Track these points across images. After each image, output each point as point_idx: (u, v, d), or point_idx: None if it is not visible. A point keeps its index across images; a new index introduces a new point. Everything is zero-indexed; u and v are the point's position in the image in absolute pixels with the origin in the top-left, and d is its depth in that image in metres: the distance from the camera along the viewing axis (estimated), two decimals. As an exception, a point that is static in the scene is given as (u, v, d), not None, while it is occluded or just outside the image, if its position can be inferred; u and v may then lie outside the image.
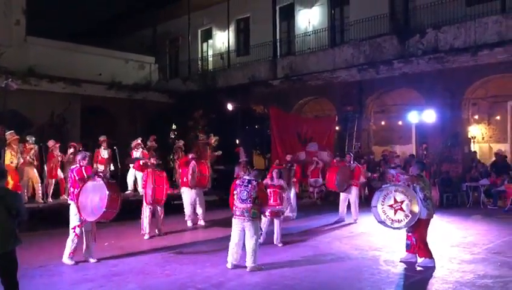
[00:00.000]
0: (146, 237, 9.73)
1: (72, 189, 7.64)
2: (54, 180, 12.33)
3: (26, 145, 11.85)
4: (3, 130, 11.05)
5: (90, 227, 7.64)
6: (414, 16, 16.67)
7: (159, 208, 9.99)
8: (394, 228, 7.30)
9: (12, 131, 11.34)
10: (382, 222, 7.38)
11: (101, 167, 13.56)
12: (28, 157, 11.64)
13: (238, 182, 7.32)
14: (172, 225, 10.81)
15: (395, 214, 7.11)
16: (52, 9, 29.70)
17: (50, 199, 12.15)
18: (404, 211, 7.07)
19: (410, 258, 7.38)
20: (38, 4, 21.40)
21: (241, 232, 7.14)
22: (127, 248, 8.71)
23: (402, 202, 7.09)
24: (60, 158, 12.39)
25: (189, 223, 11.26)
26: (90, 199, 7.45)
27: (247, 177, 7.29)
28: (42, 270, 7.23)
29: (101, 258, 7.85)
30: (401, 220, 7.11)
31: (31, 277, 6.79)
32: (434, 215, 7.45)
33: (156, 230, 9.99)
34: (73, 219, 7.55)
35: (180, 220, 11.34)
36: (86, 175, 7.52)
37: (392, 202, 7.15)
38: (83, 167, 7.60)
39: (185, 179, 11.36)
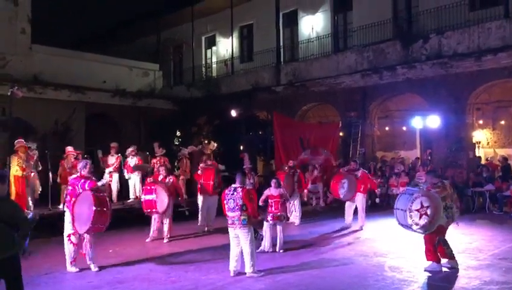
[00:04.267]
0: (148, 239, 9.88)
1: (68, 197, 7.61)
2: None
3: (29, 152, 11.94)
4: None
5: (86, 234, 7.63)
6: (417, 22, 16.69)
7: (163, 217, 10.01)
8: (414, 231, 7.29)
9: (21, 139, 11.43)
10: (405, 226, 7.33)
11: (112, 171, 13.77)
12: (32, 164, 11.74)
13: (226, 191, 7.37)
14: (177, 231, 10.81)
15: (420, 218, 7.12)
16: (57, 17, 29.94)
17: (60, 206, 12.11)
18: (428, 216, 7.09)
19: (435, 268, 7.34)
20: (43, 13, 21.59)
21: (236, 240, 7.20)
22: (131, 255, 8.72)
23: (427, 207, 7.11)
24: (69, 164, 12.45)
25: (202, 229, 11.22)
26: (84, 210, 7.45)
27: (234, 186, 7.30)
28: (47, 277, 7.25)
29: (106, 265, 7.87)
30: (421, 224, 7.12)
31: (36, 284, 6.82)
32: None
33: (164, 238, 10.03)
34: (68, 227, 7.58)
35: (185, 227, 11.34)
36: (87, 188, 7.39)
37: (419, 206, 7.15)
38: (87, 182, 7.43)
39: (199, 186, 11.44)
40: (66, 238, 7.58)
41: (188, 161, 14.84)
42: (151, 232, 10.07)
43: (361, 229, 11.19)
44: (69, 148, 12.93)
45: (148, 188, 10.03)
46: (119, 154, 13.94)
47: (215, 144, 15.28)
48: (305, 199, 13.94)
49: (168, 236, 10.09)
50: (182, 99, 21.60)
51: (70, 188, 7.66)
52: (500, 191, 13.64)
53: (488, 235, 10.21)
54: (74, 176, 7.85)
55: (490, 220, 12.26)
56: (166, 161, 13.92)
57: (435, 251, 7.27)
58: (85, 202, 7.44)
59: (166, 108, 21.05)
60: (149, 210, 9.92)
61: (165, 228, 10.08)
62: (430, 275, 7.07)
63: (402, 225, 7.41)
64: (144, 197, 10.05)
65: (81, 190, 7.43)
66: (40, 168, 12.28)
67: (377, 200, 12.21)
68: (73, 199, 7.46)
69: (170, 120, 20.09)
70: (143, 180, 13.17)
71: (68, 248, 7.57)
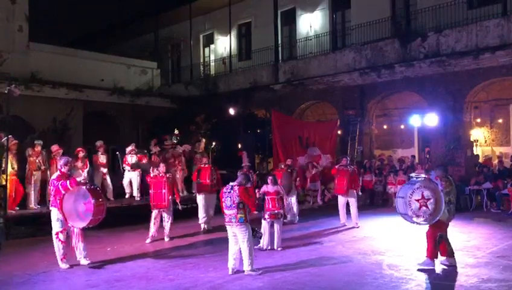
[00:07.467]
0: (147, 240, 9.74)
1: (53, 197, 7.60)
2: None
3: (35, 149, 11.88)
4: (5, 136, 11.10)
5: (74, 229, 7.64)
6: (415, 20, 16.71)
7: (164, 213, 9.86)
8: (414, 223, 7.31)
9: (11, 136, 11.35)
10: (404, 215, 7.37)
11: (104, 170, 13.68)
12: (36, 161, 11.70)
13: (223, 189, 7.37)
14: (176, 229, 10.79)
15: (419, 208, 7.14)
16: (55, 15, 29.88)
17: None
18: (428, 208, 7.11)
19: (443, 262, 7.40)
20: (41, 10, 21.52)
21: (234, 238, 7.20)
22: (129, 253, 8.71)
23: (428, 199, 7.13)
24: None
25: (203, 227, 11.17)
26: (75, 206, 7.46)
27: (231, 183, 7.29)
28: (45, 276, 7.23)
29: (103, 263, 7.86)
30: (422, 217, 7.14)
31: (34, 282, 6.82)
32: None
33: (165, 237, 9.91)
34: (55, 225, 7.59)
35: (184, 225, 11.32)
36: (69, 187, 7.42)
37: (419, 196, 7.17)
38: (68, 181, 7.45)
39: (197, 184, 11.38)
40: (54, 237, 7.61)
41: (183, 159, 14.84)
42: (151, 232, 9.78)
43: (357, 226, 11.20)
44: (54, 147, 12.47)
45: (155, 181, 9.84)
46: (117, 153, 13.94)
47: (209, 141, 15.28)
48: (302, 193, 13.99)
49: (168, 234, 9.92)
50: (180, 98, 21.58)
51: (52, 187, 7.64)
52: (498, 189, 13.66)
53: (486, 233, 10.23)
54: (55, 175, 7.81)
55: (488, 218, 12.28)
56: (156, 159, 13.88)
57: (435, 247, 7.29)
58: (77, 197, 7.47)
59: (164, 106, 21.03)
60: (155, 203, 9.71)
61: (167, 226, 9.90)
62: (428, 273, 7.07)
63: (401, 214, 7.44)
64: (152, 191, 9.80)
65: (62, 189, 7.41)
66: (43, 168, 12.17)
67: None
68: (58, 198, 7.44)
69: (168, 118, 20.05)
70: (142, 179, 13.11)
71: (57, 246, 7.59)
